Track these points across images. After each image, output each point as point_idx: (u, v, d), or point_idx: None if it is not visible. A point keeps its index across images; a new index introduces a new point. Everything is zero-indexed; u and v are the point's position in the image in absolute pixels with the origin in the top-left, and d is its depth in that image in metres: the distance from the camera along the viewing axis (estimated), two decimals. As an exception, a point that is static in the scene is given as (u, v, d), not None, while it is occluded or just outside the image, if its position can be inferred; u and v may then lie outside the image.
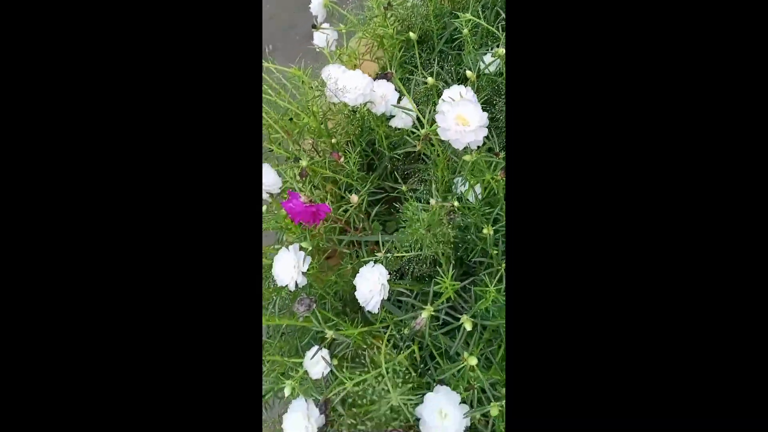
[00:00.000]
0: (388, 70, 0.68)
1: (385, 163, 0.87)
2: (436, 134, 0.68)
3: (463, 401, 0.60)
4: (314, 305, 0.72)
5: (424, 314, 0.60)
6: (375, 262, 0.67)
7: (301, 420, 0.63)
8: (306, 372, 0.70)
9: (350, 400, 0.65)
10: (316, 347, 0.72)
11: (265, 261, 0.74)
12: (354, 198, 0.68)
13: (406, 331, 0.70)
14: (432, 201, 0.63)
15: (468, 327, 0.59)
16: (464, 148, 0.63)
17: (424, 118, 0.69)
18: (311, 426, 0.63)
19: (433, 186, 0.66)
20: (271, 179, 0.71)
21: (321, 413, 0.63)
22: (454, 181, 0.76)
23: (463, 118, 0.62)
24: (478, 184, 0.69)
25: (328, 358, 0.70)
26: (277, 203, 0.72)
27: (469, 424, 0.59)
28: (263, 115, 0.81)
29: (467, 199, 0.71)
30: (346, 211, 0.74)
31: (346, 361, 0.71)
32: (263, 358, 0.75)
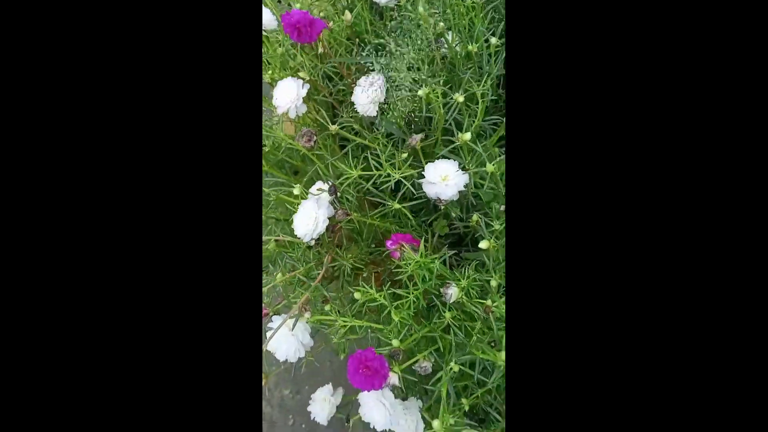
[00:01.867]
0: None
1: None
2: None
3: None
4: (315, 137, 0.77)
5: (420, 92, 0.66)
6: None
7: (311, 210, 0.67)
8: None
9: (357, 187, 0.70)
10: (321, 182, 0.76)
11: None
12: (348, 15, 0.74)
13: (405, 152, 0.76)
14: (420, 9, 0.70)
15: (460, 99, 0.65)
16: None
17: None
18: (321, 213, 0.67)
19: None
20: (267, 17, 0.77)
21: (330, 194, 0.67)
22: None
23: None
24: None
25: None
26: (278, 37, 0.78)
27: (469, 181, 0.64)
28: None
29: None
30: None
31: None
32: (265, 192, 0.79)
